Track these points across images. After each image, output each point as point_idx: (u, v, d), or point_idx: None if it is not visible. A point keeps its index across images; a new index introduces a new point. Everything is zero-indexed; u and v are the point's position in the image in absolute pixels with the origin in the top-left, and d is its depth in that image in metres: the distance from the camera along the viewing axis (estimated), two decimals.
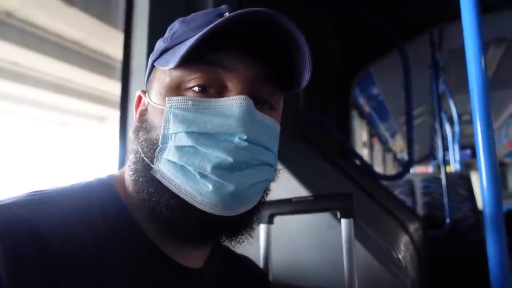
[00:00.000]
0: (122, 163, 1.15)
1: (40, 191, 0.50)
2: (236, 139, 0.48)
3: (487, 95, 0.96)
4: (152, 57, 0.59)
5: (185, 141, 0.48)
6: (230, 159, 0.47)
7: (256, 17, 0.48)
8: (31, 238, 0.41)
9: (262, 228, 0.88)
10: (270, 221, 0.88)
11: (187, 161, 0.48)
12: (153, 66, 0.58)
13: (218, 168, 0.47)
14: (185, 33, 0.54)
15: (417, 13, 3.24)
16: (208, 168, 0.47)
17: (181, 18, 0.58)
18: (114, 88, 1.33)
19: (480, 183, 0.95)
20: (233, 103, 0.49)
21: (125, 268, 0.48)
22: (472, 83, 0.97)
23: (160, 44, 0.58)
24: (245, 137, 0.48)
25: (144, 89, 0.61)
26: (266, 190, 0.57)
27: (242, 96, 0.49)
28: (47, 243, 0.41)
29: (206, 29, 0.46)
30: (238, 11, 0.47)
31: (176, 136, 0.49)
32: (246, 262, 0.75)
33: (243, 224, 0.54)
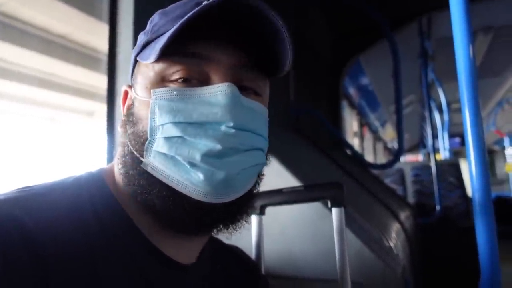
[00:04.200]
0: (110, 157, 1.14)
1: (29, 187, 0.49)
2: (223, 127, 0.48)
3: (476, 84, 0.97)
4: (134, 51, 0.58)
5: (173, 131, 0.48)
6: (218, 146, 0.47)
7: (232, 5, 0.47)
8: (20, 236, 0.40)
9: (253, 219, 0.88)
10: (261, 212, 0.88)
11: (176, 151, 0.48)
12: (136, 61, 0.58)
13: (207, 156, 0.47)
14: (165, 25, 0.53)
15: (405, 1, 3.24)
16: (197, 156, 0.47)
17: (160, 10, 0.57)
18: (102, 82, 1.31)
19: (469, 171, 0.96)
20: (218, 91, 0.49)
21: (117, 264, 0.47)
22: (460, 71, 0.98)
23: (141, 38, 0.57)
24: (231, 124, 0.48)
25: (130, 84, 0.61)
26: (259, 175, 0.57)
27: (226, 84, 0.49)
28: (37, 241, 0.41)
29: (182, 20, 0.46)
30: (211, 2, 0.47)
31: (164, 127, 0.49)
32: (237, 253, 0.75)
33: (237, 210, 0.53)
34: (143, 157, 0.50)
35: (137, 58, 0.56)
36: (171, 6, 0.56)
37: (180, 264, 0.54)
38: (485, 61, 5.37)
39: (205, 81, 0.51)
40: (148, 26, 0.57)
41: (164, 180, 0.48)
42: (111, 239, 0.48)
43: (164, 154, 0.48)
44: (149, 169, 0.49)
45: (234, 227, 0.56)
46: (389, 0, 3.19)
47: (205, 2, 0.51)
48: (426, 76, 4.33)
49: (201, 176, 0.47)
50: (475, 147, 0.95)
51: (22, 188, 0.49)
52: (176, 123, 0.48)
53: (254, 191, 0.57)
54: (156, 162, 0.49)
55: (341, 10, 3.27)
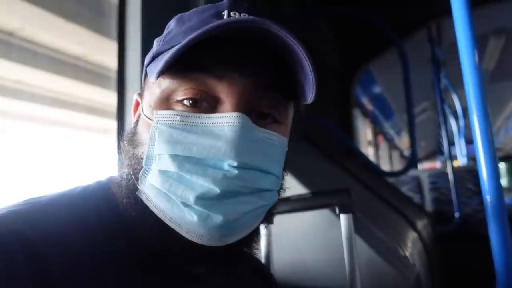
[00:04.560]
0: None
1: (35, 198, 0.48)
2: (225, 166, 0.42)
3: (483, 89, 0.96)
4: (146, 60, 0.54)
5: (169, 165, 0.44)
6: (216, 190, 0.42)
7: (250, 27, 0.43)
8: (24, 252, 0.38)
9: (262, 229, 0.89)
10: (270, 221, 0.89)
11: (170, 188, 0.44)
12: (146, 71, 0.54)
13: (202, 198, 0.42)
14: (177, 36, 0.48)
15: (414, 7, 3.25)
16: (191, 198, 0.42)
17: (179, 15, 0.53)
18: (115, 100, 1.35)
19: (479, 177, 0.95)
20: (225, 122, 0.44)
21: (124, 278, 0.45)
22: (467, 78, 0.98)
23: (155, 46, 0.53)
24: (235, 163, 0.42)
25: (140, 92, 0.58)
26: (270, 210, 0.52)
27: (235, 114, 0.44)
28: (41, 256, 0.39)
29: (191, 36, 0.41)
30: (227, 20, 0.42)
31: (161, 158, 0.45)
32: (252, 261, 0.73)
33: (237, 252, 0.49)
34: (139, 184, 0.47)
35: (147, 70, 0.53)
36: (190, 11, 0.52)
37: (192, 274, 0.53)
38: (500, 64, 5.29)
39: (215, 104, 0.47)
40: (165, 32, 0.53)
41: (158, 214, 0.45)
42: (118, 252, 0.46)
43: (158, 189, 0.45)
44: (143, 198, 0.46)
45: (233, 270, 0.51)
46: (398, 7, 3.20)
47: (225, 12, 0.48)
48: (439, 82, 4.29)
49: (195, 217, 0.42)
50: (486, 152, 0.94)
51: (28, 199, 0.47)
52: (173, 156, 0.44)
53: (258, 231, 0.52)
54: (150, 193, 0.46)
55: (348, 19, 3.29)
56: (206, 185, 0.42)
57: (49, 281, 0.39)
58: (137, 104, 0.57)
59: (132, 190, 0.48)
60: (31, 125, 1.43)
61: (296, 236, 1.16)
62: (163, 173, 0.44)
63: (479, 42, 0.97)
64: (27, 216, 0.43)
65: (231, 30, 0.43)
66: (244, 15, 0.48)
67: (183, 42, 0.42)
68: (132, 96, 1.22)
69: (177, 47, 0.42)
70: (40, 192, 0.50)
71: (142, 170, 0.46)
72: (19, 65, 1.44)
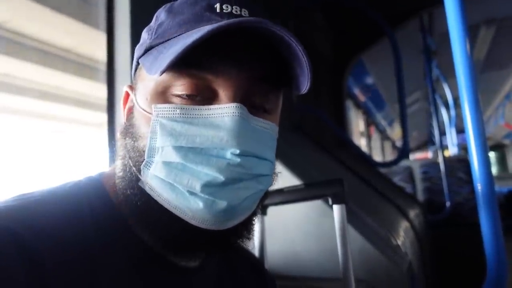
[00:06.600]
0: (112, 163, 1.16)
1: (27, 194, 0.47)
2: (228, 155, 0.44)
3: (475, 78, 0.97)
4: (137, 51, 0.54)
5: (173, 156, 0.45)
6: (221, 178, 0.44)
7: (247, 26, 0.44)
8: (16, 249, 0.38)
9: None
10: (263, 212, 0.89)
11: (175, 178, 0.45)
12: (138, 62, 0.54)
13: (208, 186, 0.44)
14: (171, 29, 0.49)
15: None
16: (197, 187, 0.44)
17: (167, 6, 0.53)
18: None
19: (471, 166, 0.97)
20: (225, 113, 0.45)
21: (117, 272, 0.46)
22: (458, 67, 0.98)
23: (145, 37, 0.53)
24: (237, 151, 0.44)
25: (131, 84, 0.57)
26: (265, 193, 0.54)
27: (234, 104, 0.45)
28: (33, 254, 0.39)
29: (185, 46, 0.42)
30: (224, 24, 0.42)
31: (164, 150, 0.46)
32: (244, 254, 0.73)
33: (236, 235, 0.51)
34: (141, 175, 0.47)
35: (140, 62, 0.53)
36: (179, 2, 0.52)
37: (183, 267, 0.53)
38: (490, 54, 5.33)
39: (212, 98, 0.48)
40: (154, 23, 0.53)
41: (162, 202, 0.46)
42: (111, 247, 0.47)
43: (162, 179, 0.46)
44: (147, 189, 0.47)
45: (234, 249, 0.53)
46: None
47: (217, 5, 0.48)
48: (431, 72, 4.31)
49: (200, 204, 0.44)
50: (477, 142, 0.95)
51: (18, 196, 0.47)
52: (177, 147, 0.45)
53: (255, 214, 0.54)
54: (153, 183, 0.46)
55: (340, 9, 3.28)
56: (211, 173, 0.44)
57: (42, 276, 0.39)
58: (127, 95, 0.57)
59: (135, 181, 0.48)
60: (19, 118, 1.41)
61: (290, 227, 1.17)
62: (167, 164, 0.45)
63: (470, 32, 0.98)
64: (17, 213, 0.43)
65: (236, 30, 0.45)
66: (236, 8, 0.49)
67: (182, 48, 0.42)
68: (122, 88, 1.20)
69: (175, 53, 0.43)
70: (30, 188, 0.49)
71: (144, 162, 0.47)
72: (6, 58, 1.41)
